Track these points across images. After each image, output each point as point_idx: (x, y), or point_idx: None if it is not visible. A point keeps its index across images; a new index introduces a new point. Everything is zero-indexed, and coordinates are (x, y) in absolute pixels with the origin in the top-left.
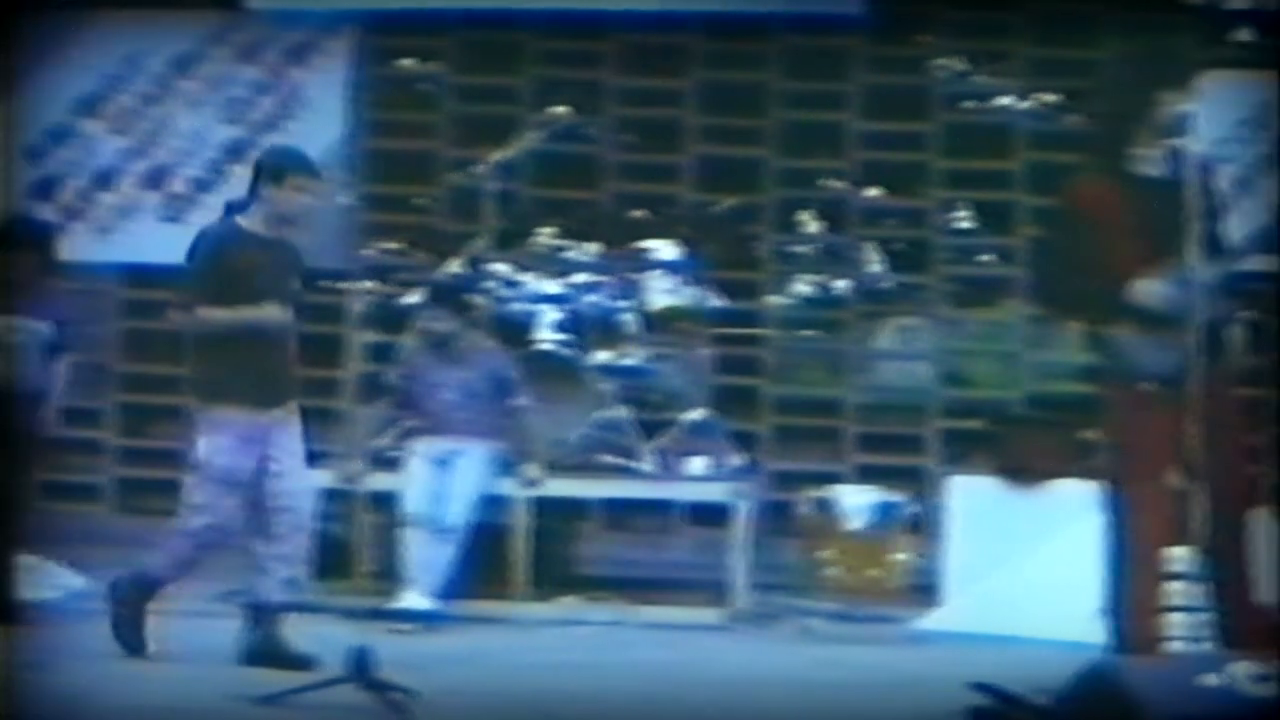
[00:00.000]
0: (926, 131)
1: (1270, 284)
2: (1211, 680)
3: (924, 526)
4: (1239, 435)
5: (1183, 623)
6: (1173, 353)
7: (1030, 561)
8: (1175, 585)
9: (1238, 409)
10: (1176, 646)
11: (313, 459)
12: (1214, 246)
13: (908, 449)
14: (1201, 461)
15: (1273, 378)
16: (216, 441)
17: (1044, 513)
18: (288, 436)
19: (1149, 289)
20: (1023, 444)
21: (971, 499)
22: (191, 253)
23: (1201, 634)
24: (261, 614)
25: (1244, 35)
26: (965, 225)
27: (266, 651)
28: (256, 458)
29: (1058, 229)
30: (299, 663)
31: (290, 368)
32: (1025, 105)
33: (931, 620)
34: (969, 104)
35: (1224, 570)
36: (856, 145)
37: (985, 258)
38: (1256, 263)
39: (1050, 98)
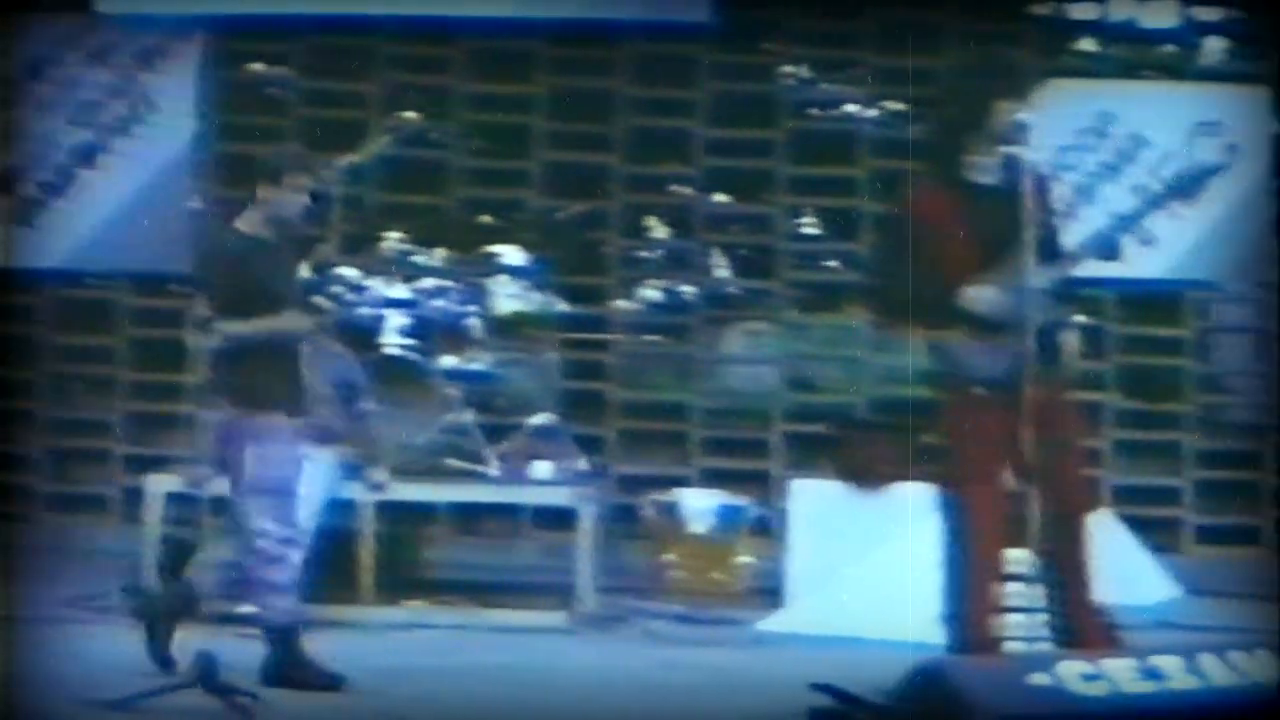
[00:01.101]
0: (773, 138)
1: (1102, 289)
2: (1042, 679)
3: (767, 529)
4: (1073, 438)
5: (1020, 623)
6: (1006, 358)
7: (871, 564)
8: (1012, 586)
9: (1072, 413)
10: (1014, 647)
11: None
12: (1049, 253)
13: (752, 453)
14: (1036, 464)
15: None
16: (263, 451)
17: (885, 515)
18: (297, 448)
19: (982, 295)
20: (864, 448)
21: (814, 502)
22: (198, 263)
23: (1038, 634)
24: (283, 633)
25: (1087, 44)
26: (811, 231)
27: (292, 672)
28: (300, 466)
29: (893, 235)
30: (329, 682)
31: (304, 376)
32: (871, 113)
33: (774, 622)
34: (815, 111)
35: (1060, 571)
36: (703, 151)
37: (830, 263)
38: (1091, 269)
39: (895, 105)
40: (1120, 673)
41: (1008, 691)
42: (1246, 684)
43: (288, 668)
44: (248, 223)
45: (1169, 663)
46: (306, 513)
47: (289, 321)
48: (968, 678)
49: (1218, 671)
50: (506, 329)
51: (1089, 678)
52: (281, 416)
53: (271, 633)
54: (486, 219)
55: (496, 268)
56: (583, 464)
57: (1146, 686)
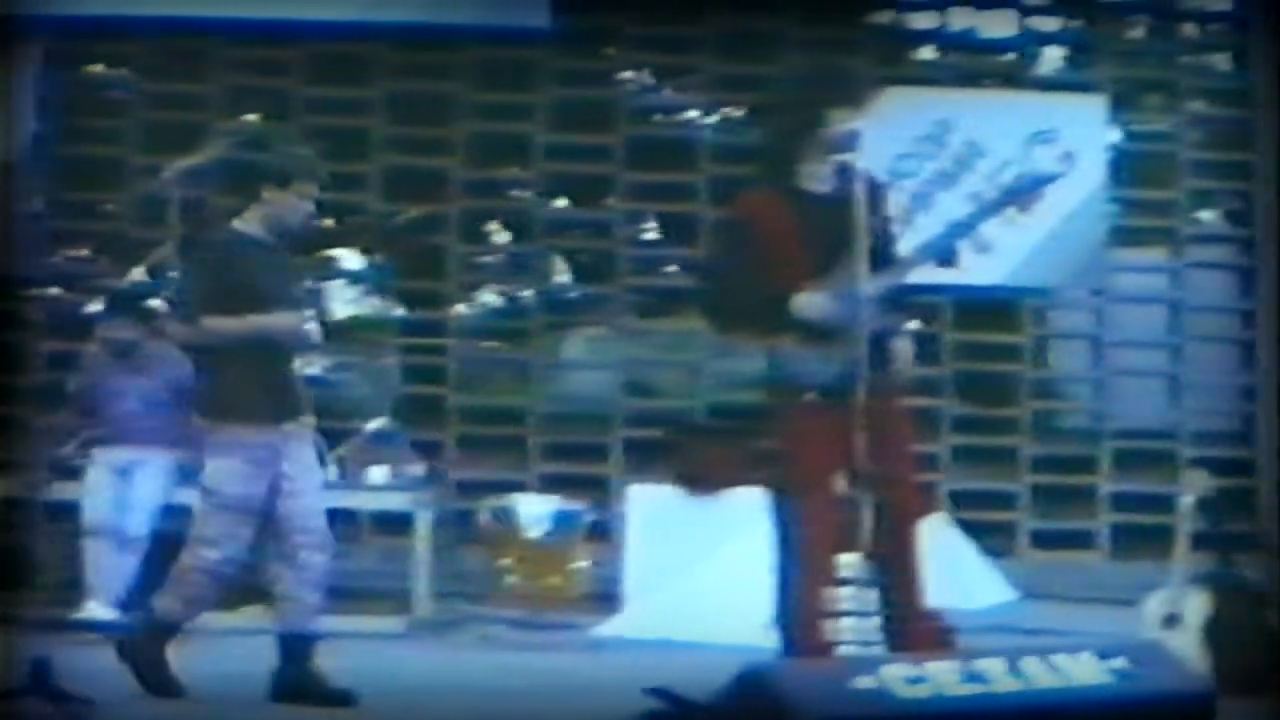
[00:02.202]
0: (612, 143)
1: (939, 295)
2: (866, 682)
3: (604, 535)
4: (906, 444)
5: (852, 627)
6: (839, 364)
7: (708, 569)
8: (844, 591)
9: (904, 418)
10: (845, 651)
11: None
12: (884, 260)
13: (590, 458)
14: (869, 470)
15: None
16: (228, 465)
17: (721, 521)
18: (302, 452)
19: (813, 302)
20: (701, 453)
21: (651, 507)
22: (192, 263)
23: (871, 638)
24: (294, 646)
25: (926, 53)
26: (650, 237)
27: (302, 686)
28: (270, 479)
29: (725, 242)
30: (338, 699)
31: (300, 378)
32: (710, 119)
33: (611, 627)
34: (655, 117)
35: (893, 576)
36: (543, 157)
37: (669, 269)
38: (927, 275)
39: (734, 111)
40: (944, 676)
41: (831, 695)
42: (1070, 687)
43: (296, 681)
44: (247, 223)
45: (992, 666)
46: (143, 519)
47: (282, 321)
48: (791, 681)
49: (1041, 674)
50: (343, 333)
51: (913, 681)
52: (253, 430)
53: (283, 645)
54: (325, 223)
55: (334, 272)
56: (420, 469)
57: (970, 689)
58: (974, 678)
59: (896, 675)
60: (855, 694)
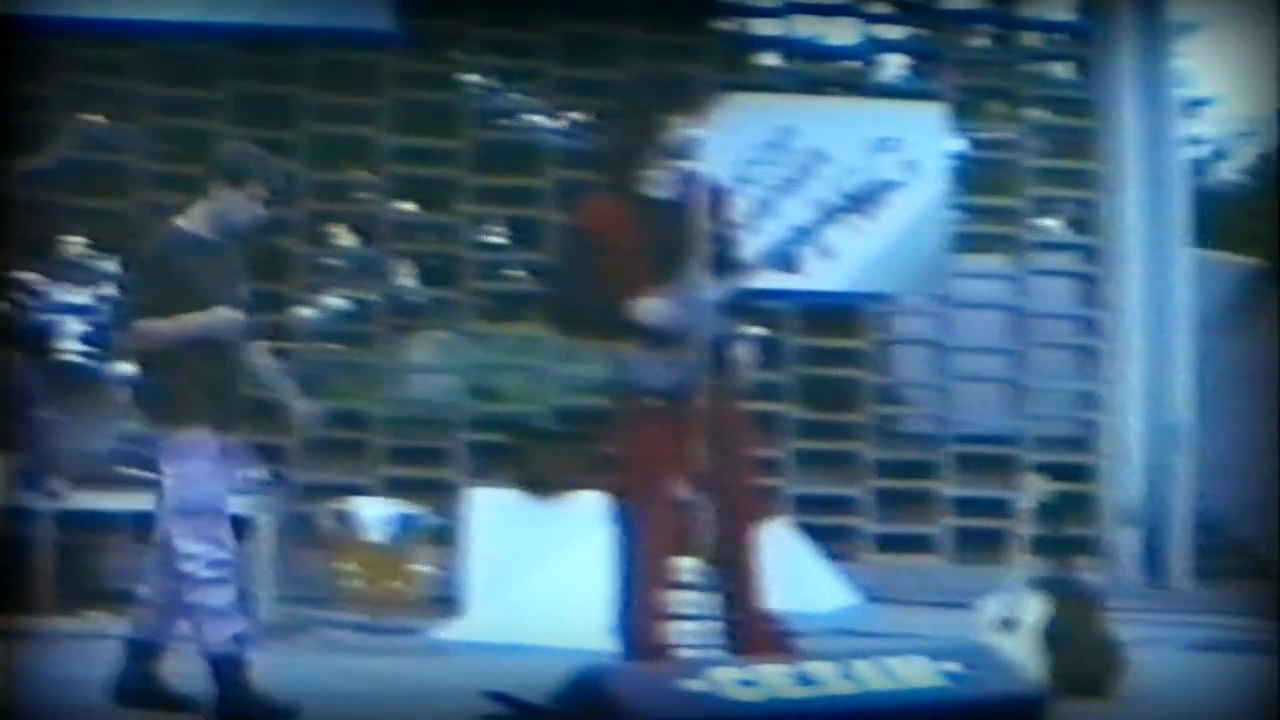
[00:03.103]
0: (457, 147)
1: (781, 301)
2: (698, 685)
3: (446, 538)
4: (746, 448)
5: (692, 631)
6: (678, 369)
7: (549, 572)
8: (684, 595)
9: (745, 423)
10: (684, 654)
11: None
12: (725, 265)
13: (433, 461)
14: (709, 474)
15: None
16: (188, 470)
17: (562, 524)
18: (241, 460)
19: (653, 307)
20: (543, 457)
21: (493, 511)
22: (133, 263)
23: (710, 642)
24: (226, 663)
25: (769, 60)
26: (495, 241)
27: (239, 704)
28: (228, 481)
29: (567, 247)
30: (180, 702)
31: (243, 383)
32: (554, 123)
33: (452, 630)
34: (499, 121)
35: (732, 580)
36: (388, 160)
37: (514, 273)
38: (769, 281)
39: (578, 116)
40: (776, 679)
41: (663, 697)
42: (902, 689)
43: (234, 699)
44: (191, 221)
45: (824, 669)
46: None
47: (216, 318)
48: (624, 684)
49: (873, 677)
50: None
51: (745, 684)
52: (208, 431)
53: (213, 662)
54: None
55: None
56: (262, 472)
57: (802, 692)
58: (806, 680)
59: (728, 678)
60: (687, 696)
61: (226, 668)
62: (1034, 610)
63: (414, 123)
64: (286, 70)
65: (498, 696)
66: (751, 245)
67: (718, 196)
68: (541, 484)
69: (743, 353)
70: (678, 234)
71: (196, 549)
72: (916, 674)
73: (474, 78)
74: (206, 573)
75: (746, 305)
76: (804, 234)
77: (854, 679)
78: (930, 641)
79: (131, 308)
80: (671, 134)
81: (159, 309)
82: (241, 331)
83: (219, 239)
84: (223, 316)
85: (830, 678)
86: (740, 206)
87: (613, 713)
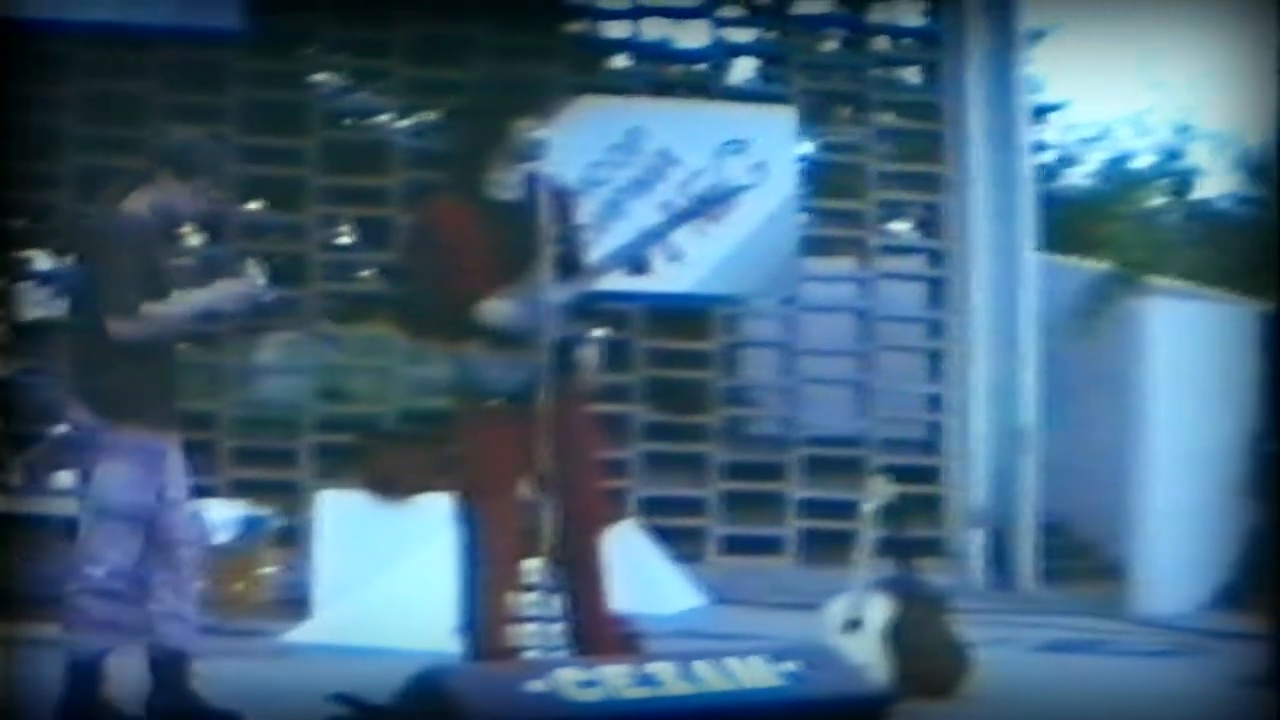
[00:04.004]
0: (306, 146)
1: (630, 303)
2: (538, 686)
3: (294, 540)
4: (591, 450)
5: (537, 633)
6: (521, 371)
7: (397, 574)
8: (529, 596)
9: (590, 425)
10: (530, 655)
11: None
12: (571, 267)
13: (280, 463)
14: (554, 476)
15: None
16: (122, 470)
17: (410, 526)
18: (179, 457)
19: (497, 309)
20: (391, 458)
21: (341, 512)
22: (98, 250)
23: (556, 644)
24: (171, 665)
25: (619, 62)
26: (344, 241)
27: (182, 709)
28: (156, 488)
29: (413, 249)
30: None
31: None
32: (404, 123)
33: (299, 633)
34: (348, 120)
35: (578, 581)
36: (237, 159)
37: (362, 274)
38: (618, 283)
39: (427, 116)
40: (616, 679)
41: (503, 698)
42: (742, 690)
43: (174, 704)
44: (136, 206)
45: (664, 669)
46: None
47: (229, 296)
48: (465, 685)
49: (713, 678)
50: (32, 335)
51: (585, 684)
52: (147, 431)
53: (155, 666)
54: (17, 223)
55: (26, 273)
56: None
57: (642, 692)
58: (646, 681)
59: (569, 679)
60: (527, 697)
61: (167, 671)
62: (879, 611)
63: (262, 122)
64: (134, 68)
65: (342, 698)
66: (599, 247)
67: (564, 199)
68: (389, 486)
69: (589, 355)
70: (523, 236)
71: (106, 554)
72: (756, 674)
73: (324, 77)
74: (104, 584)
75: (593, 307)
76: (652, 236)
77: (693, 680)
78: (764, 642)
79: (96, 297)
80: (518, 136)
81: (124, 295)
82: (250, 302)
83: (158, 226)
84: (229, 289)
85: (670, 678)
86: (587, 208)
87: (453, 713)
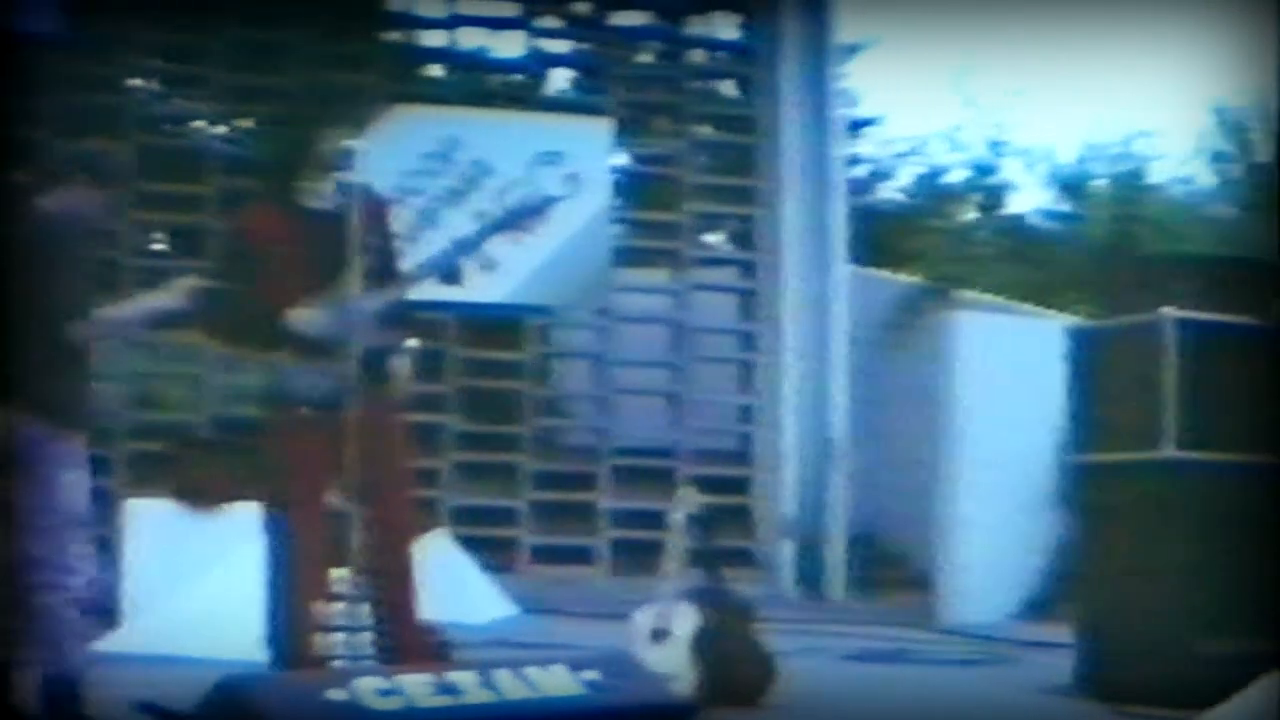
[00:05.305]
0: (121, 152)
1: (442, 312)
2: (338, 695)
3: (102, 549)
4: (401, 459)
5: (346, 641)
6: (331, 379)
7: (205, 583)
8: (338, 606)
9: (400, 435)
10: (337, 663)
11: None
12: (383, 276)
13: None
14: (363, 485)
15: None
16: (75, 478)
17: (220, 535)
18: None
19: (305, 317)
20: (201, 467)
21: (150, 521)
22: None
23: (364, 652)
24: (67, 684)
25: (435, 71)
26: (158, 248)
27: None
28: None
29: (225, 256)
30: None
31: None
32: (219, 130)
33: (107, 642)
34: (165, 126)
35: (387, 590)
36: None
37: (178, 281)
38: (431, 292)
39: (244, 123)
40: (416, 688)
41: (303, 706)
42: (542, 698)
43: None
44: (56, 205)
45: (465, 678)
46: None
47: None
48: (265, 693)
49: (513, 686)
50: None
51: (385, 693)
52: (79, 438)
53: (49, 682)
54: None
55: None
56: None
57: (442, 701)
58: (447, 690)
59: (369, 687)
60: (326, 706)
61: (64, 688)
62: (686, 621)
63: (77, 126)
64: None
65: (146, 707)
66: (413, 256)
67: (378, 207)
68: (198, 494)
69: (400, 364)
70: (335, 244)
71: (81, 564)
72: (556, 683)
73: (139, 82)
74: (84, 591)
75: (405, 316)
76: (465, 246)
77: (494, 688)
78: (581, 652)
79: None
80: (333, 144)
81: (76, 297)
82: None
83: (68, 224)
84: (186, 288)
85: (471, 687)
86: (401, 217)
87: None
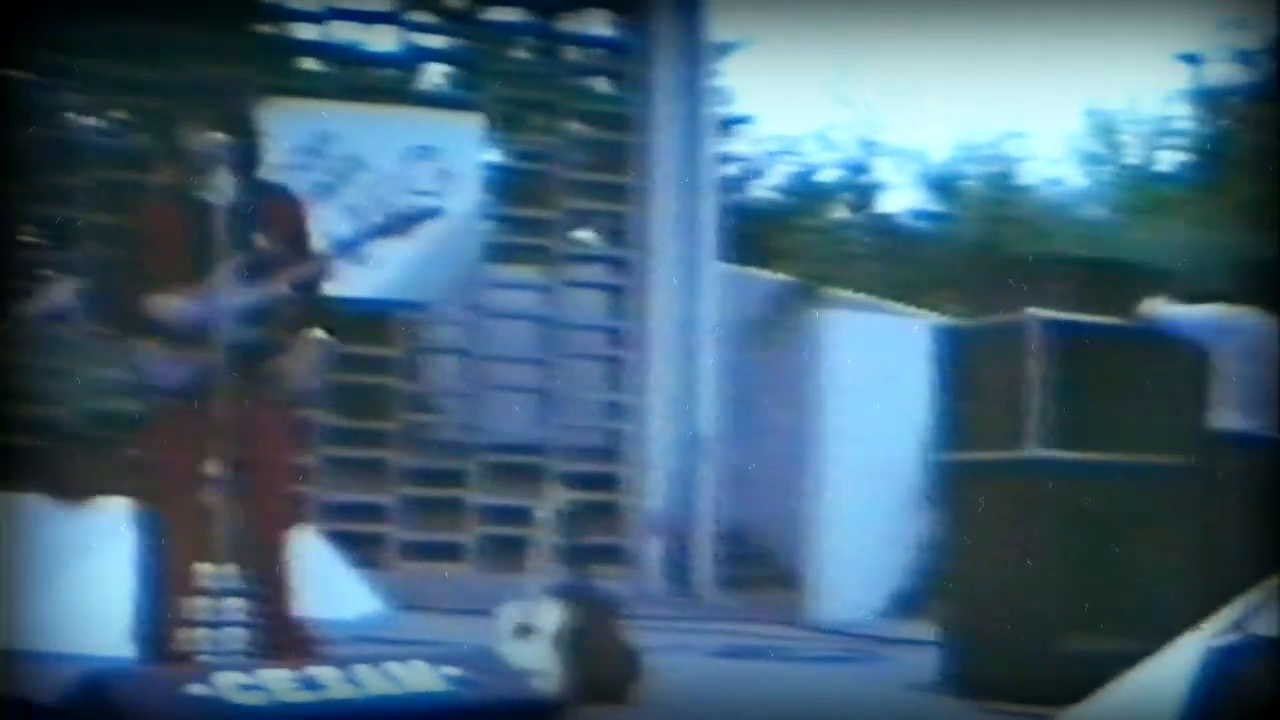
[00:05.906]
0: None
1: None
2: (199, 690)
3: None
4: (274, 454)
5: (216, 637)
6: (202, 371)
7: (72, 578)
8: (208, 601)
9: (275, 428)
10: (208, 659)
11: None
12: (255, 269)
13: None
14: (235, 479)
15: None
16: None
17: (88, 530)
18: None
19: (174, 306)
20: (69, 461)
21: (15, 516)
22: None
23: (235, 648)
24: None
25: (308, 64)
26: (31, 240)
27: None
28: None
29: (99, 247)
30: None
31: None
32: (94, 122)
33: None
34: (41, 117)
35: (258, 586)
36: None
37: (47, 274)
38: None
39: (120, 115)
40: (279, 683)
41: (163, 701)
42: (404, 694)
43: None
44: None
45: (327, 673)
46: None
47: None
48: (126, 687)
49: (375, 682)
50: None
51: (247, 688)
52: None
53: None
54: None
55: None
56: None
57: (305, 696)
58: (309, 685)
59: (231, 682)
60: (188, 700)
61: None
62: (551, 617)
63: None
64: None
65: (7, 701)
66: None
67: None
68: (66, 489)
69: (273, 357)
70: (208, 236)
71: None
72: (418, 679)
73: (16, 73)
74: None
75: (279, 309)
76: (344, 248)
77: (356, 683)
78: (448, 647)
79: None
80: (205, 136)
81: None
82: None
83: None
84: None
85: (333, 682)
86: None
87: (114, 716)
